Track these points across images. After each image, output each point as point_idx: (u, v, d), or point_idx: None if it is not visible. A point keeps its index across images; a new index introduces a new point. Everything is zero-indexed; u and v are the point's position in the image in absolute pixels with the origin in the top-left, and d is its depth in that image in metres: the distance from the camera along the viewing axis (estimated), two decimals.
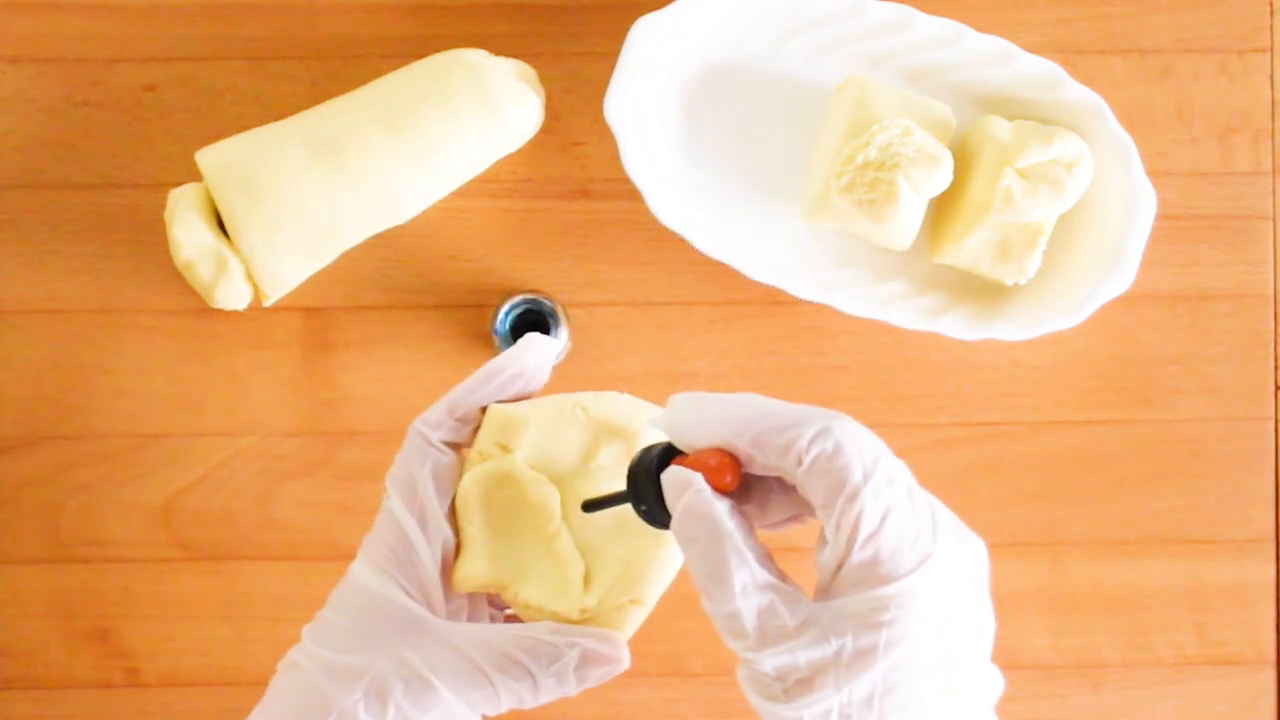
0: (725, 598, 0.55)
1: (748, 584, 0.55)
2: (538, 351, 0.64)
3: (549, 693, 0.61)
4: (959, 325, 0.77)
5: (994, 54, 0.77)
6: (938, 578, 0.56)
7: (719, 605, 0.56)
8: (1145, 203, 0.76)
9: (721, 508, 0.56)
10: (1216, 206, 0.81)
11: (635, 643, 0.79)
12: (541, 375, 0.65)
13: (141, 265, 0.79)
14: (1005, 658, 0.80)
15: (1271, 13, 0.81)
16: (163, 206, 0.76)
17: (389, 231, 0.78)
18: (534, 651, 0.61)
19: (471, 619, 0.64)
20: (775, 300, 0.79)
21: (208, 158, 0.75)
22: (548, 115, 0.78)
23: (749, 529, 0.57)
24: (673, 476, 0.57)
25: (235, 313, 0.78)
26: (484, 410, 0.64)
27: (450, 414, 0.63)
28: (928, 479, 0.80)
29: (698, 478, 0.56)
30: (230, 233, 0.75)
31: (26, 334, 0.79)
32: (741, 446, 0.56)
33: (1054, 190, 0.75)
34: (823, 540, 0.56)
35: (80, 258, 0.79)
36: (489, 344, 0.79)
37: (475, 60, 0.76)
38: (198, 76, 0.79)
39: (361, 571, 0.62)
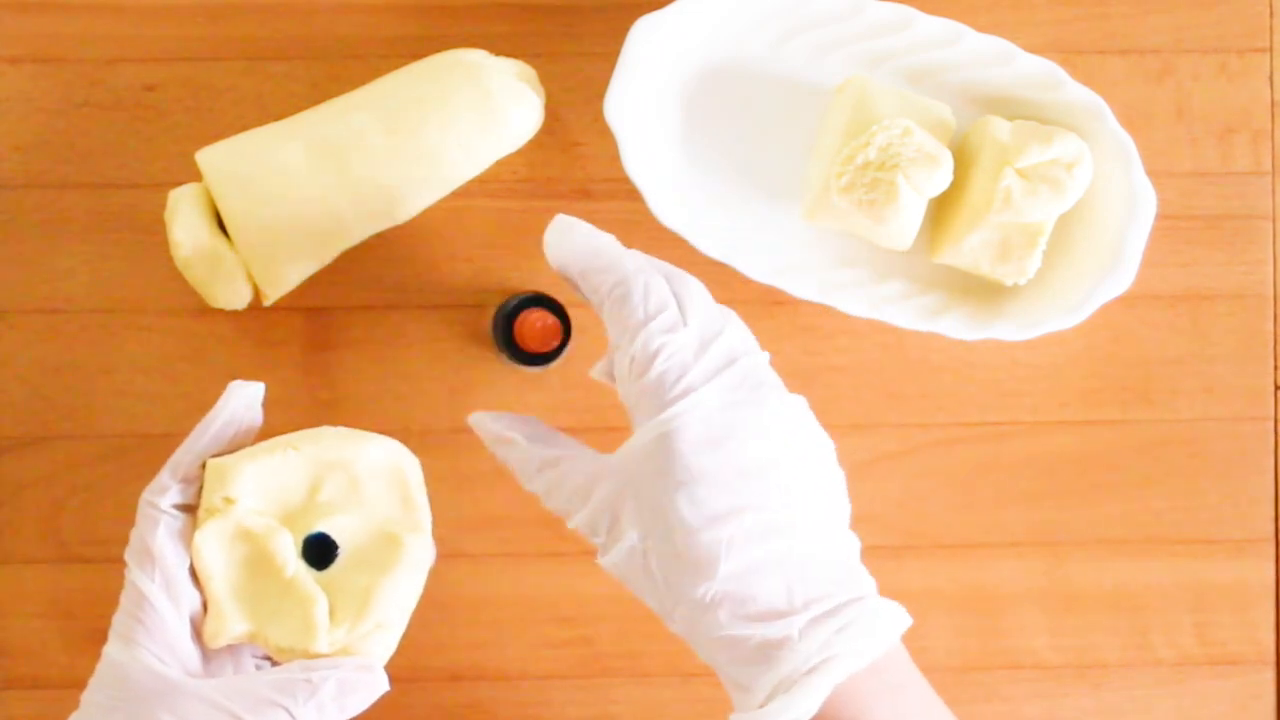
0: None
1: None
2: (241, 396, 0.67)
3: None
4: (959, 325, 0.77)
5: (994, 54, 0.77)
6: (704, 407, 0.62)
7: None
8: (1145, 203, 0.76)
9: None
10: (1216, 206, 0.81)
11: (635, 642, 0.79)
12: (251, 417, 0.68)
13: (141, 265, 0.79)
14: (1005, 658, 0.80)
15: (1271, 13, 0.81)
16: (163, 206, 0.76)
17: (389, 231, 0.78)
18: (289, 690, 0.63)
19: (238, 671, 0.67)
20: (775, 300, 0.79)
21: (208, 158, 0.75)
22: (548, 115, 0.78)
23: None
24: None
25: (235, 313, 0.78)
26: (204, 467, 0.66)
27: (173, 477, 0.66)
28: (928, 479, 0.81)
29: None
30: (230, 233, 0.75)
31: (26, 334, 0.79)
32: (574, 277, 0.65)
33: (1054, 190, 0.75)
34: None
35: (80, 258, 0.79)
36: (489, 344, 0.79)
37: (475, 60, 0.76)
38: (198, 76, 0.79)
39: (113, 648, 0.64)
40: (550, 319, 0.73)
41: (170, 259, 0.76)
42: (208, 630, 0.65)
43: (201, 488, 0.66)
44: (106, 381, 0.79)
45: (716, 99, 0.79)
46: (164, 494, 0.65)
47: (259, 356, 0.79)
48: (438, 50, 0.77)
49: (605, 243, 0.65)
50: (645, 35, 0.76)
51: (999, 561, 0.80)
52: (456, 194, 0.78)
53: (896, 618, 0.61)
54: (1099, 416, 0.80)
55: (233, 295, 0.75)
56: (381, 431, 0.78)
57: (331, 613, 0.65)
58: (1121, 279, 0.76)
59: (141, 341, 0.79)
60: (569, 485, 0.64)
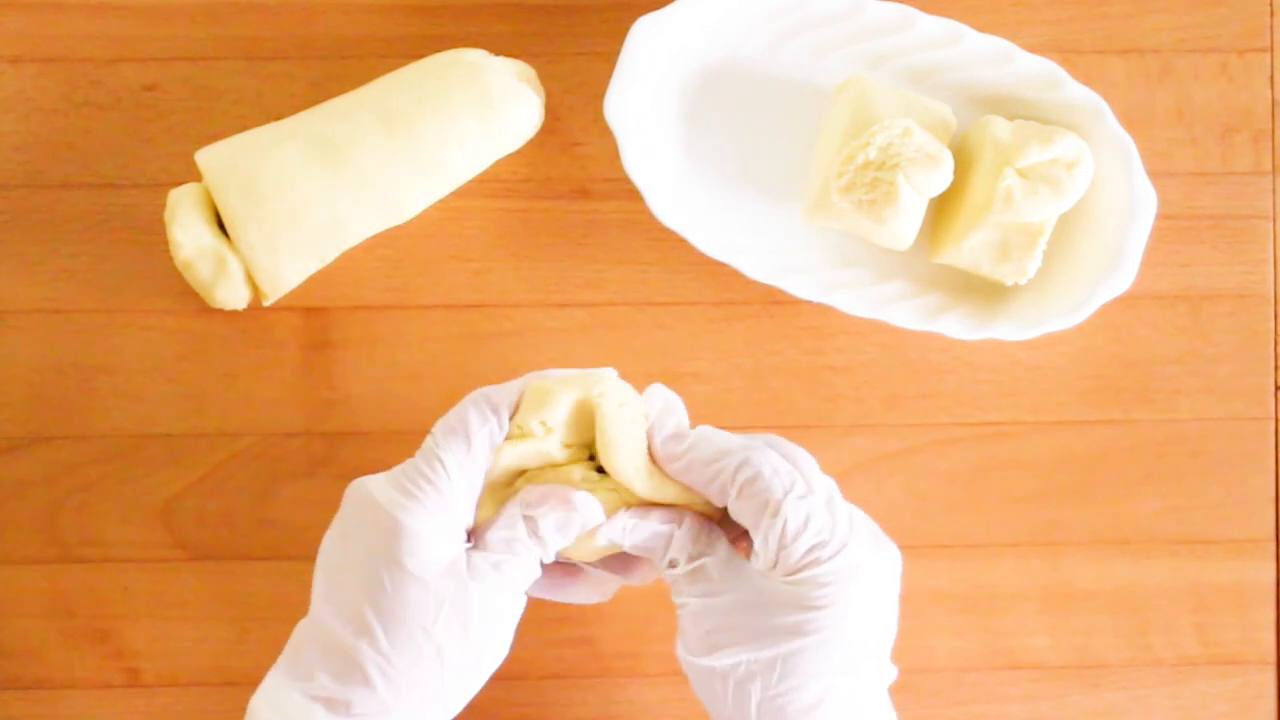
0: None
1: None
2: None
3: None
4: (959, 325, 0.77)
5: (994, 54, 0.77)
6: (853, 570, 0.64)
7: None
8: (1145, 203, 0.76)
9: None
10: (1216, 206, 0.81)
11: (635, 642, 0.79)
12: None
13: (141, 265, 0.79)
14: (1005, 658, 0.80)
15: (1271, 13, 0.81)
16: (163, 206, 0.76)
17: (389, 231, 0.78)
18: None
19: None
20: (775, 300, 0.79)
21: (207, 158, 0.75)
22: (548, 115, 0.78)
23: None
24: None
25: (235, 313, 0.78)
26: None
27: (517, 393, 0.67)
28: (928, 479, 0.81)
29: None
30: (230, 233, 0.75)
31: (26, 334, 0.79)
32: (675, 470, 0.66)
33: (1054, 190, 0.75)
34: (754, 553, 0.65)
35: (80, 258, 0.79)
36: (488, 344, 0.79)
37: (475, 60, 0.76)
38: (198, 76, 0.79)
39: (384, 493, 0.65)
40: None
41: (170, 259, 0.76)
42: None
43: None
44: (106, 381, 0.79)
45: (716, 99, 0.79)
46: (500, 407, 0.66)
47: (259, 356, 0.79)
48: (438, 50, 0.77)
49: (712, 436, 0.66)
50: (645, 35, 0.76)
51: (999, 561, 0.80)
52: (456, 194, 0.78)
53: None
54: (1099, 416, 0.80)
55: (233, 295, 0.75)
56: (381, 431, 0.79)
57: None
58: (1121, 279, 0.76)
59: (141, 341, 0.79)
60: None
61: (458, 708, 0.66)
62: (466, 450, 0.65)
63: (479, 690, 0.67)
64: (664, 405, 0.67)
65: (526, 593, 0.67)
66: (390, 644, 0.63)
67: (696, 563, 0.66)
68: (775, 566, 0.64)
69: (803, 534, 0.64)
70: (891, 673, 0.67)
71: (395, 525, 0.64)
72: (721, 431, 0.67)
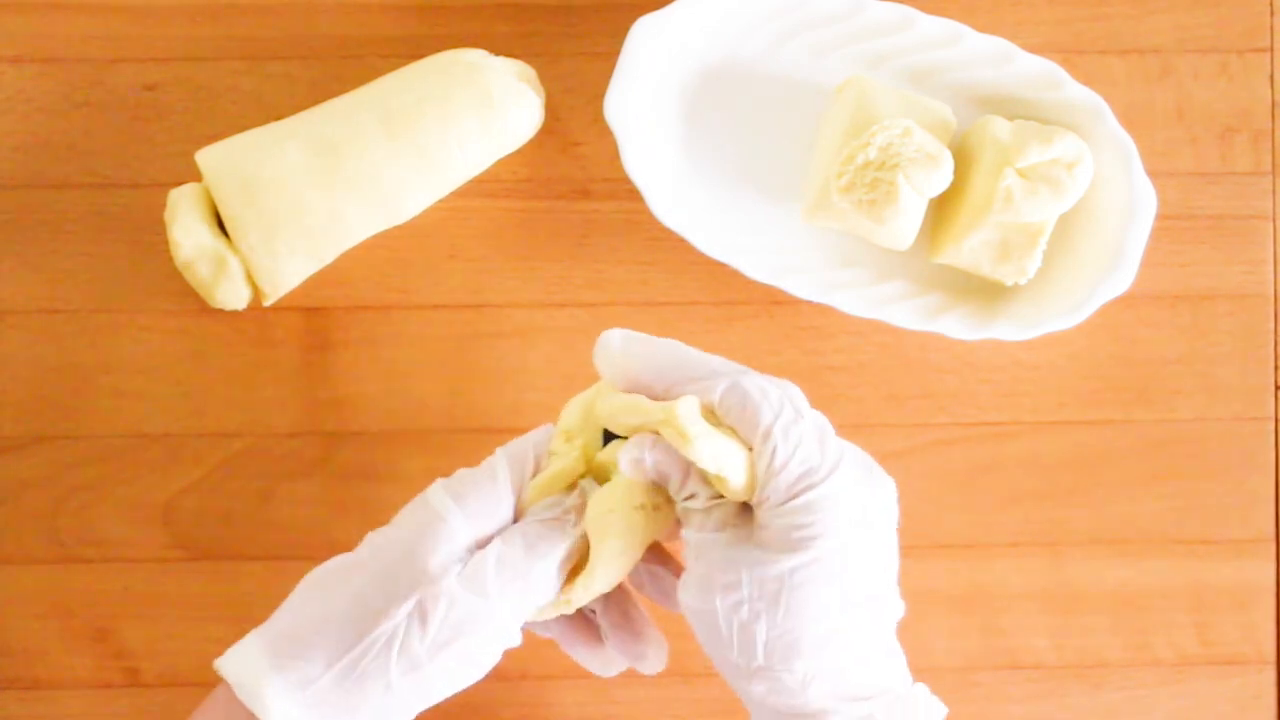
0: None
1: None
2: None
3: None
4: (959, 325, 0.77)
5: (994, 54, 0.77)
6: (842, 496, 0.63)
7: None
8: (1145, 203, 0.76)
9: None
10: (1216, 206, 0.81)
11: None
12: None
13: (141, 265, 0.79)
14: (1005, 657, 0.80)
15: (1271, 13, 0.81)
16: (163, 206, 0.76)
17: (389, 231, 0.78)
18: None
19: None
20: (775, 300, 0.79)
21: (207, 158, 0.75)
22: (548, 115, 0.78)
23: None
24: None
25: (235, 313, 0.78)
26: None
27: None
28: (928, 479, 0.80)
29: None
30: (230, 232, 0.75)
31: (26, 334, 0.79)
32: (659, 393, 0.65)
33: (1054, 190, 0.75)
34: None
35: (80, 258, 0.79)
36: (488, 344, 0.79)
37: (475, 60, 0.76)
38: (198, 76, 0.79)
39: (442, 503, 0.65)
40: None
41: (170, 259, 0.76)
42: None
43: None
44: (106, 381, 0.79)
45: (716, 99, 0.79)
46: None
47: (259, 356, 0.79)
48: (438, 50, 0.77)
49: (685, 351, 0.66)
50: (645, 35, 0.76)
51: (999, 561, 0.80)
52: (456, 194, 0.78)
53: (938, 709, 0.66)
54: (1099, 416, 0.80)
55: (233, 295, 0.75)
56: (381, 432, 0.79)
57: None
58: (1121, 279, 0.76)
59: (141, 341, 0.79)
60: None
61: (414, 706, 0.65)
62: (521, 466, 0.66)
63: (441, 699, 0.66)
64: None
65: (543, 631, 0.68)
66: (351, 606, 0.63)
67: (715, 502, 0.65)
68: (766, 495, 0.63)
69: (791, 461, 0.63)
70: (899, 609, 0.66)
71: (433, 516, 0.64)
72: (678, 345, 0.67)
